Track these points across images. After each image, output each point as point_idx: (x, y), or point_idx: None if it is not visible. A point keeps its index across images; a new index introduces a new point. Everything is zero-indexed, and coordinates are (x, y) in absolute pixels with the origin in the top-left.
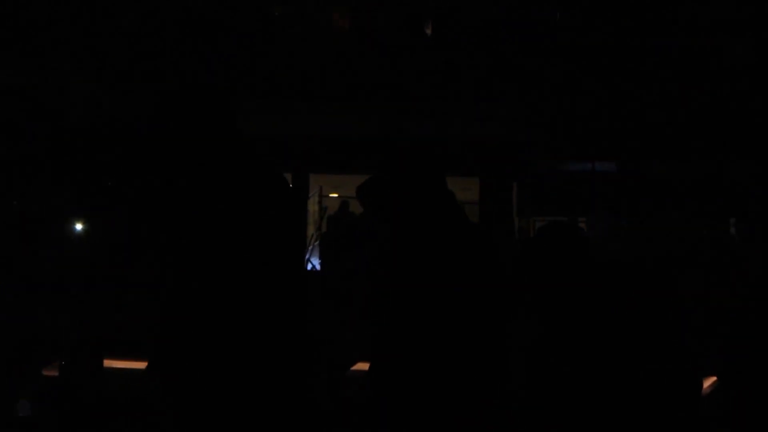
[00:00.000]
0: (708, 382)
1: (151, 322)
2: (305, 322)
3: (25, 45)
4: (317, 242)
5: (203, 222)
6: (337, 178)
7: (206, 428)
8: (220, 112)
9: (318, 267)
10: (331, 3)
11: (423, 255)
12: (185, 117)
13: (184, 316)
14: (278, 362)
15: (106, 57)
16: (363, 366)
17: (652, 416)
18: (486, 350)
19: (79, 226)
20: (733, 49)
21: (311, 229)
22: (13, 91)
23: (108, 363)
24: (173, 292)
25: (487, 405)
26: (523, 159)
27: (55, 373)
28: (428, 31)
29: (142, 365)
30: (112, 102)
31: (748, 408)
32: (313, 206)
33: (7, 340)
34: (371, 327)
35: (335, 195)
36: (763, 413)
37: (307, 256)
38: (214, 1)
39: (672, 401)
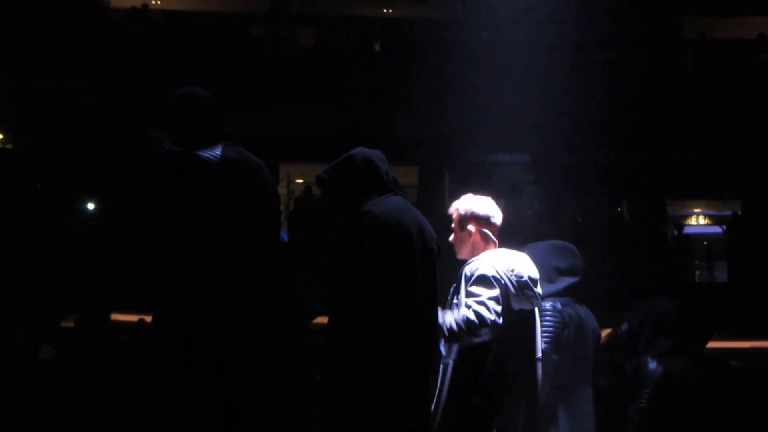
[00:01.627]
0: (605, 333)
1: (153, 283)
2: (280, 285)
3: (43, 56)
4: (285, 220)
5: (201, 198)
6: (302, 166)
7: (195, 370)
8: (212, 111)
9: (286, 240)
10: (298, 25)
11: (366, 229)
12: (188, 116)
13: (183, 278)
14: (261, 314)
15: (111, 65)
16: (323, 319)
17: None
18: (422, 309)
19: (91, 205)
20: (628, 60)
21: (281, 209)
22: (37, 94)
23: (114, 316)
24: (174, 259)
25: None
26: (453, 151)
27: (71, 324)
28: (377, 48)
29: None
30: (118, 102)
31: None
32: (282, 190)
33: (33, 297)
34: (329, 289)
35: (301, 181)
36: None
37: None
38: (203, 26)
39: None
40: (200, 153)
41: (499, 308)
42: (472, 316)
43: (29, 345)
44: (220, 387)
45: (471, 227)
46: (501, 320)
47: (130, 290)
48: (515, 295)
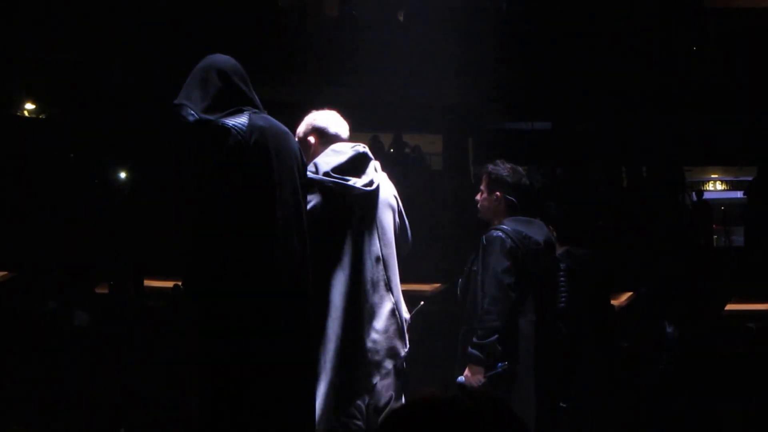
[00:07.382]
0: (626, 296)
1: (183, 251)
2: (307, 251)
3: (75, 27)
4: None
5: (228, 165)
6: None
7: (226, 333)
8: (239, 80)
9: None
10: None
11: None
12: (215, 85)
13: (211, 246)
14: (289, 279)
15: (141, 37)
16: None
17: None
18: None
19: (123, 173)
20: (647, 29)
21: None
22: (66, 64)
23: (148, 282)
24: (201, 227)
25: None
26: (477, 119)
27: (105, 290)
28: (401, 18)
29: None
30: (147, 74)
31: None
32: None
33: (68, 263)
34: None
35: None
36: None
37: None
38: None
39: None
40: (227, 121)
41: (512, 280)
42: (494, 291)
43: (64, 311)
44: (251, 352)
45: (498, 193)
46: (514, 294)
47: (165, 256)
48: (530, 261)
